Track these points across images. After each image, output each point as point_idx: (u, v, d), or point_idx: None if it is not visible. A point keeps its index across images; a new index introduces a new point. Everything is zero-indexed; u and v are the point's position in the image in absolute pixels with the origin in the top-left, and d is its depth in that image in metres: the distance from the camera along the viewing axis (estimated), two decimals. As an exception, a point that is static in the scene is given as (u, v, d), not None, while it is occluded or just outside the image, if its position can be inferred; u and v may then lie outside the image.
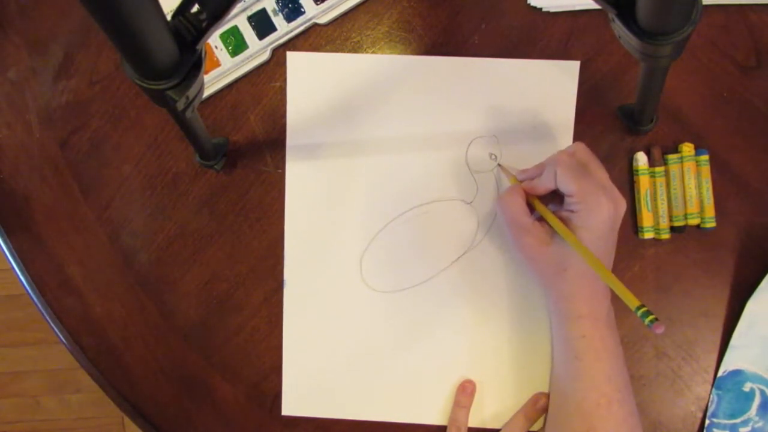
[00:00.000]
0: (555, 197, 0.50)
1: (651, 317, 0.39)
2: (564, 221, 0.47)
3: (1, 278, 1.31)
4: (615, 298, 0.50)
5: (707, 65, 0.53)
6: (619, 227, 0.48)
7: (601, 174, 0.47)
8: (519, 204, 0.49)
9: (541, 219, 0.49)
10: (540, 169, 0.49)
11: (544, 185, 0.48)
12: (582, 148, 0.48)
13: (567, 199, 0.47)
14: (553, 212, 0.48)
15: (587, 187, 0.46)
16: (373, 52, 0.55)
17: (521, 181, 0.51)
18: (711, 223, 0.52)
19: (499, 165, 0.53)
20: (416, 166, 0.54)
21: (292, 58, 0.55)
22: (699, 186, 0.52)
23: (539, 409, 0.53)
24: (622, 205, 0.47)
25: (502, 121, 0.54)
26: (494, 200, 0.54)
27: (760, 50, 0.52)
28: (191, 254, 0.56)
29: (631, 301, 0.40)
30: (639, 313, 0.39)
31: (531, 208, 0.50)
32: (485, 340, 0.54)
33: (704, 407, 0.53)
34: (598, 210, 0.46)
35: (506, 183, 0.53)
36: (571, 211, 0.47)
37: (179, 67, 0.36)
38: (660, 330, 0.38)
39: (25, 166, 0.57)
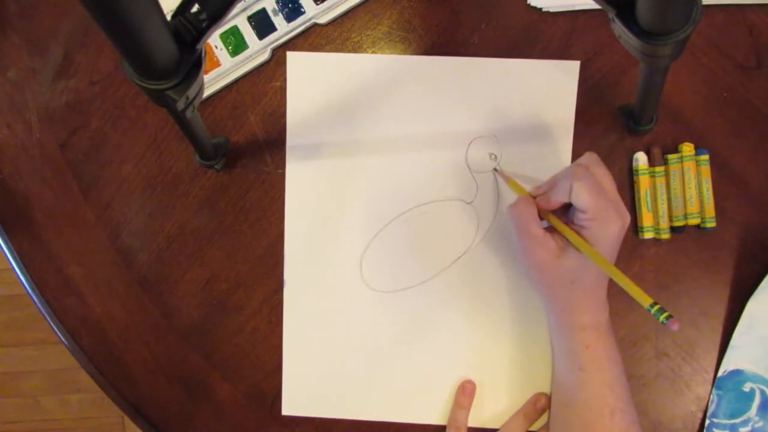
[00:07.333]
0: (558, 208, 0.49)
1: (665, 314, 0.39)
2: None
3: (1, 278, 1.31)
4: (620, 297, 0.50)
5: (707, 65, 0.53)
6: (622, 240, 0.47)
7: (611, 188, 0.47)
8: (532, 214, 0.48)
9: (551, 230, 0.49)
10: (552, 182, 0.48)
11: (557, 199, 0.47)
12: (595, 160, 0.47)
13: (579, 214, 0.46)
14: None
15: (601, 203, 0.45)
16: (373, 52, 0.55)
17: (534, 196, 0.50)
18: (711, 223, 0.52)
19: (495, 170, 0.52)
20: (416, 166, 0.54)
21: (292, 58, 0.55)
22: (699, 186, 0.52)
23: (539, 409, 0.53)
24: (628, 219, 0.47)
25: (502, 121, 0.54)
26: (495, 201, 0.54)
27: (760, 50, 0.52)
28: (191, 254, 0.56)
29: (645, 300, 0.41)
30: (653, 310, 0.40)
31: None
32: (485, 340, 0.54)
33: (704, 407, 0.53)
34: (608, 226, 0.45)
35: (506, 185, 0.53)
36: (581, 226, 0.46)
37: (179, 67, 0.36)
38: (675, 327, 0.38)
39: (25, 166, 0.57)
